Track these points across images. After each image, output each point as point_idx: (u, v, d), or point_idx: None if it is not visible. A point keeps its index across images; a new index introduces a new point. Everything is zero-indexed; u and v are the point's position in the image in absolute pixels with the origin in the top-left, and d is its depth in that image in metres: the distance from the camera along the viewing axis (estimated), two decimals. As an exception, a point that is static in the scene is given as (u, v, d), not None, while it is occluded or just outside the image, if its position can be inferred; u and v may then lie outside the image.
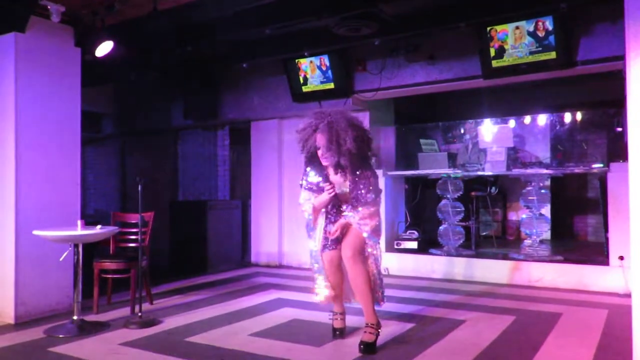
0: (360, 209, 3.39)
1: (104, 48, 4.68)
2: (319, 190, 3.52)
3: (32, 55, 4.36)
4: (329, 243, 3.55)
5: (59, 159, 4.54)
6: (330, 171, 3.49)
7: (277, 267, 7.04)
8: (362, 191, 3.37)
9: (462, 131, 7.43)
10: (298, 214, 7.01)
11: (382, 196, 6.40)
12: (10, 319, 4.18)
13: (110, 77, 6.94)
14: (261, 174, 7.37)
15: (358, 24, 5.19)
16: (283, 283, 5.83)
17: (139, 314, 4.10)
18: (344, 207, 3.53)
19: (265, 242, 7.27)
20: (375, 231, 3.46)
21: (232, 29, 5.43)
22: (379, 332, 3.42)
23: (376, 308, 3.47)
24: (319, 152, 3.37)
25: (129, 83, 7.70)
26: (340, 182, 3.48)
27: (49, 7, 4.27)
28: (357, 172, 3.39)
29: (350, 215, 3.44)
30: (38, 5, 4.24)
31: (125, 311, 4.49)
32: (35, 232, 3.83)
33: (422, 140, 7.04)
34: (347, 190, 3.47)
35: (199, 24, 5.45)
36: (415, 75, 6.07)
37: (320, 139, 3.33)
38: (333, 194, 3.39)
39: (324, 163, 3.40)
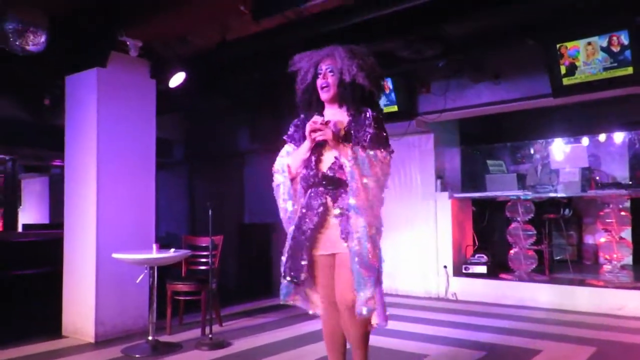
0: (370, 152, 2.42)
1: (177, 79, 4.92)
2: (301, 140, 2.63)
3: (112, 88, 4.64)
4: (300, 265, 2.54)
5: (136, 185, 4.78)
6: (326, 114, 2.64)
7: (342, 291, 6.99)
8: (368, 130, 2.48)
9: (532, 151, 7.17)
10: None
11: (447, 217, 6.38)
12: (90, 337, 4.40)
13: (181, 105, 7.27)
14: (325, 197, 7.41)
15: (421, 46, 5.18)
16: (348, 307, 5.79)
17: (210, 336, 4.19)
18: (331, 201, 2.54)
19: (330, 265, 7.26)
20: (379, 195, 2.46)
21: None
22: None
23: (379, 327, 2.59)
24: (318, 82, 2.59)
25: (198, 110, 8.03)
26: (338, 129, 2.54)
27: (127, 42, 4.56)
28: (361, 110, 2.55)
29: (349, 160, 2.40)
30: (118, 42, 4.53)
31: (196, 332, 4.61)
32: (115, 255, 4.03)
33: (489, 161, 6.88)
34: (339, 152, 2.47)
35: (267, 51, 5.62)
36: (481, 96, 5.95)
37: (322, 64, 2.59)
38: (321, 136, 2.43)
39: (323, 96, 2.60)
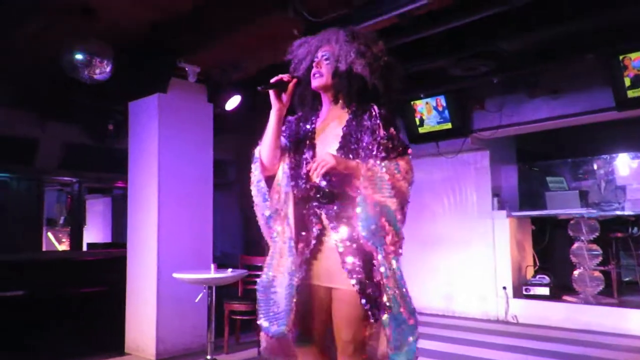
0: (381, 163, 1.90)
1: (233, 102, 5.06)
2: (288, 138, 2.19)
3: (171, 113, 4.82)
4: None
5: (194, 205, 4.91)
6: (322, 113, 2.18)
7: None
8: (379, 133, 1.94)
9: (595, 167, 6.88)
10: (415, 255, 6.87)
11: (506, 236, 6.18)
12: (151, 355, 4.51)
13: (235, 126, 7.43)
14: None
15: (474, 64, 5.11)
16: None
17: (266, 356, 4.21)
18: (327, 220, 2.00)
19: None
20: (402, 214, 1.91)
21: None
22: None
23: None
24: (312, 72, 2.09)
25: (252, 131, 8.21)
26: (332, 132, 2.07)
27: (186, 68, 4.74)
28: (364, 107, 2.02)
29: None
30: (177, 68, 4.72)
31: (252, 352, 4.64)
32: (175, 275, 4.13)
33: (549, 178, 6.64)
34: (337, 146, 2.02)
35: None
36: (538, 111, 5.79)
37: (320, 50, 2.10)
38: (324, 167, 1.87)
39: (313, 83, 2.10)
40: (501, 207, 6.30)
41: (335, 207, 1.97)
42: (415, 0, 3.48)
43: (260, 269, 4.71)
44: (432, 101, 6.20)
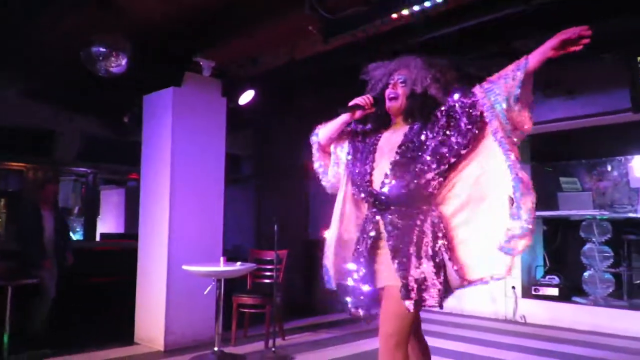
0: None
1: (247, 97, 5.09)
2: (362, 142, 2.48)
3: (185, 106, 4.87)
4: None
5: (205, 199, 4.96)
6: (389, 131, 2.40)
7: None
8: (453, 137, 2.19)
9: (609, 169, 6.81)
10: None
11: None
12: (160, 346, 4.58)
13: (250, 122, 7.47)
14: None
15: (486, 62, 5.06)
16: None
17: (273, 349, 4.27)
18: (382, 226, 2.26)
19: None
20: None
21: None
22: None
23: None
24: (387, 92, 2.34)
25: (266, 127, 8.24)
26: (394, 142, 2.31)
27: (201, 63, 4.78)
28: (430, 116, 2.25)
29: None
30: (192, 62, 4.76)
31: (259, 345, 4.69)
32: (184, 267, 4.19)
33: (562, 179, 6.59)
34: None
35: (336, 69, 5.68)
36: (555, 111, 5.74)
37: (396, 74, 2.34)
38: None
39: (389, 104, 2.34)
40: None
41: (390, 216, 2.21)
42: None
43: (270, 263, 4.72)
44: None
